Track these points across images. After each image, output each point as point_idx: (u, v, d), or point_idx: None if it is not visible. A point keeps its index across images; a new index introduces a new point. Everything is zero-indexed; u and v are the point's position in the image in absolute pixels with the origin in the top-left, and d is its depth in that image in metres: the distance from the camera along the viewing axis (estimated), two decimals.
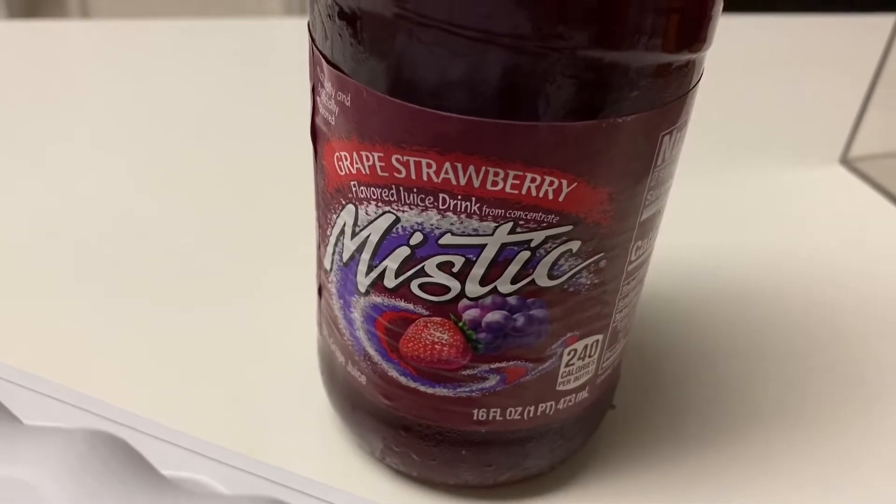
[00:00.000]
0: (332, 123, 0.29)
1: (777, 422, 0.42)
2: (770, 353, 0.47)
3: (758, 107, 0.77)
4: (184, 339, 0.44)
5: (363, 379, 0.35)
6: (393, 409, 0.35)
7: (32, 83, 0.72)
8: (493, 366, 0.32)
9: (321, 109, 0.30)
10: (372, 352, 0.33)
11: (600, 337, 0.33)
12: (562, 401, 0.34)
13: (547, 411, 0.34)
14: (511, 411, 0.33)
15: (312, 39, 0.29)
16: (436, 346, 0.31)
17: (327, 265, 0.34)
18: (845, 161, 0.70)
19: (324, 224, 0.33)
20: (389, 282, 0.30)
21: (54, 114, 0.68)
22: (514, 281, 0.29)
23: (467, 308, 0.30)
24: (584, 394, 0.35)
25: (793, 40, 0.91)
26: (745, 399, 0.43)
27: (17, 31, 0.82)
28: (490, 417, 0.34)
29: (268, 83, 0.75)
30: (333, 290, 0.34)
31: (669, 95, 0.27)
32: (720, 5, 0.27)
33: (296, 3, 2.64)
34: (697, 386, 0.44)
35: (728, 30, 0.92)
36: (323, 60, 0.28)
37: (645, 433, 0.41)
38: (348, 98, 0.27)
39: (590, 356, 0.33)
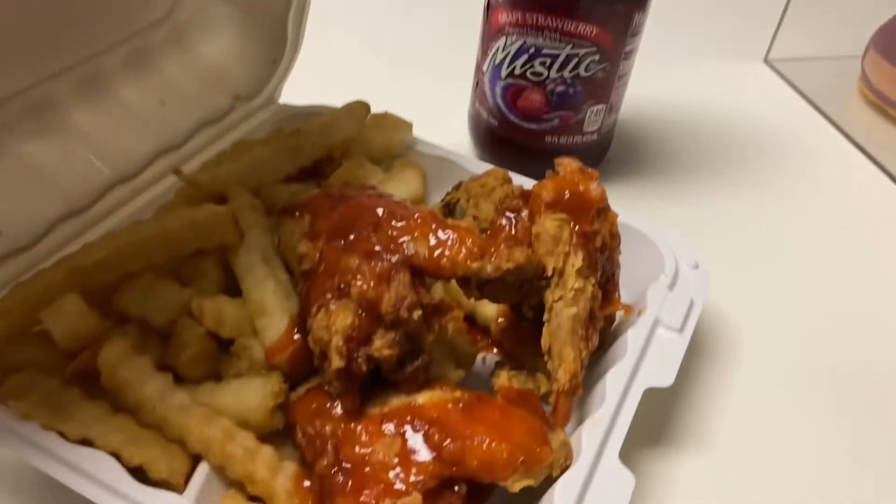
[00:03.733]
0: (500, 1, 0.71)
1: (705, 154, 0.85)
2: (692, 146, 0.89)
3: (696, 14, 1.17)
4: None
5: (496, 123, 0.77)
6: (508, 137, 0.77)
7: None
8: (557, 113, 0.74)
9: None
10: (503, 108, 0.75)
11: (604, 106, 0.75)
12: (585, 136, 0.77)
13: (577, 141, 0.77)
14: (564, 138, 0.76)
15: None
16: (534, 104, 0.74)
17: (484, 69, 0.76)
18: (767, 61, 1.11)
19: (486, 49, 0.75)
20: (517, 71, 0.72)
21: None
22: (570, 71, 0.71)
23: (548, 84, 0.72)
24: (594, 136, 0.77)
25: None
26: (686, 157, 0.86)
27: None
28: (552, 141, 0.76)
29: None
30: (486, 80, 0.76)
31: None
32: None
33: None
34: (661, 151, 0.87)
35: None
36: None
37: (629, 174, 0.83)
38: None
39: (597, 116, 0.76)
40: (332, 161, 0.65)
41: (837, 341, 0.67)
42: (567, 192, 0.53)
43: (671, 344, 0.56)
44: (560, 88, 0.72)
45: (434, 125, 0.78)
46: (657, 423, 0.59)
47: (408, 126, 0.72)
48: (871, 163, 0.91)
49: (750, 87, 1.05)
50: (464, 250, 0.48)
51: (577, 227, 0.52)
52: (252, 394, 0.49)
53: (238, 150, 0.64)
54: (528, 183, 0.67)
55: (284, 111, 0.74)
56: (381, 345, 0.46)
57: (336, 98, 0.72)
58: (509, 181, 0.64)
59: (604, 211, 0.54)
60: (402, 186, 0.63)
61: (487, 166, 0.70)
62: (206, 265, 0.55)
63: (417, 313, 0.47)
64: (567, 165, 0.55)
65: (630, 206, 0.70)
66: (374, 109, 0.70)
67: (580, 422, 0.52)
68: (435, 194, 0.71)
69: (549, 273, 0.51)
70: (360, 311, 0.46)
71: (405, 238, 0.49)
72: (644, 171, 0.85)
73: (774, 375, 0.64)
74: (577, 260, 0.52)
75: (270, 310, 0.51)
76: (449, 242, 0.49)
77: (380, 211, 0.50)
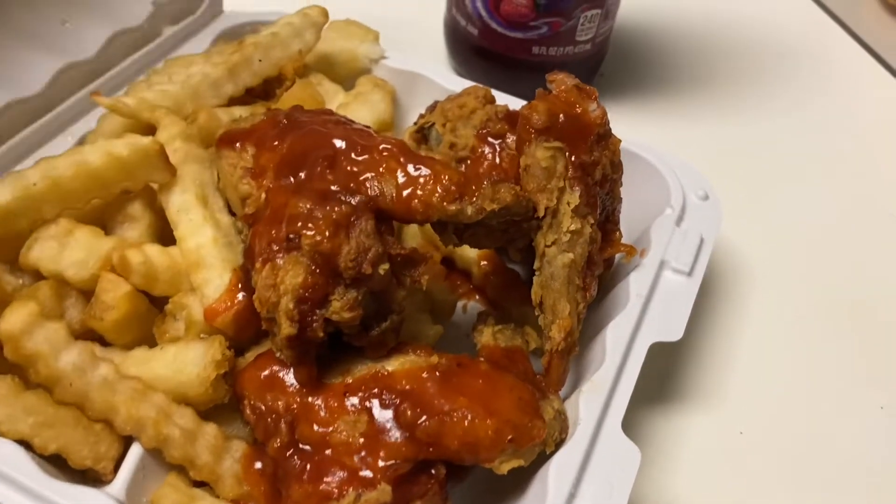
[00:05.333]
0: None
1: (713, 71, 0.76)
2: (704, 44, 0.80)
3: None
4: None
5: (476, 32, 0.67)
6: (490, 47, 0.67)
7: None
8: (545, 20, 0.64)
9: None
10: (484, 14, 0.65)
11: (599, 11, 0.65)
12: (577, 46, 0.67)
13: (569, 52, 0.67)
14: (553, 49, 0.66)
15: None
16: (519, 8, 0.64)
17: None
18: None
19: None
20: None
21: None
22: None
23: None
24: (587, 46, 0.68)
25: None
26: (694, 68, 0.77)
27: None
28: (540, 52, 0.66)
29: None
30: None
31: None
32: None
33: None
34: (661, 63, 0.77)
35: None
36: None
37: (625, 90, 0.74)
38: None
39: (592, 22, 0.66)
40: (283, 80, 0.55)
41: (860, 278, 0.61)
42: (561, 114, 0.44)
43: (679, 290, 0.49)
44: None
45: (404, 35, 0.68)
46: (659, 376, 0.53)
47: (373, 35, 0.62)
48: (889, 73, 0.83)
49: None
50: (439, 189, 0.40)
51: (573, 157, 0.44)
52: (191, 362, 0.41)
53: (172, 67, 0.54)
54: (513, 102, 0.58)
55: (229, 20, 0.64)
56: (341, 307, 0.38)
57: (289, 3, 0.62)
58: (492, 101, 0.55)
59: (604, 137, 0.46)
60: (366, 109, 0.54)
61: (467, 83, 0.61)
62: (132, 208, 0.46)
63: (384, 267, 0.39)
64: (561, 82, 0.46)
65: (627, 127, 0.62)
66: (334, 16, 0.60)
67: (576, 382, 0.46)
68: (406, 117, 0.62)
69: (541, 213, 0.43)
70: (313, 267, 0.38)
71: (368, 175, 0.41)
72: (642, 85, 0.76)
73: (790, 318, 0.57)
74: (573, 197, 0.44)
75: (209, 262, 0.43)
76: (421, 180, 0.40)
77: (337, 142, 0.42)
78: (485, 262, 0.54)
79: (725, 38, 0.83)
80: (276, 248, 0.39)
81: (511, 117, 0.54)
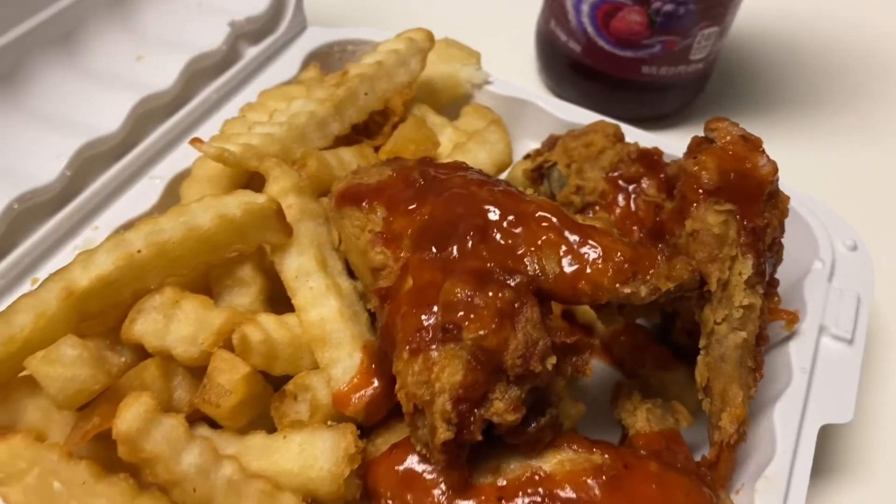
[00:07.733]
0: None
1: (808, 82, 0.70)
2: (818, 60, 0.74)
3: None
4: None
5: (578, 48, 0.62)
6: (594, 66, 0.62)
7: None
8: (660, 38, 0.58)
9: None
10: (590, 29, 0.60)
11: (717, 28, 0.60)
12: (690, 65, 0.61)
13: (681, 71, 0.61)
14: (665, 68, 0.61)
15: None
16: (633, 25, 0.58)
17: None
18: None
19: None
20: None
21: None
22: None
23: (654, 2, 0.56)
24: (700, 65, 0.62)
25: None
26: (800, 87, 0.71)
27: None
28: (651, 71, 0.61)
29: None
30: None
31: None
32: None
33: None
34: (768, 76, 0.71)
35: None
36: None
37: (730, 108, 0.69)
38: None
39: (708, 40, 0.60)
40: (388, 114, 0.50)
41: None
42: (732, 172, 0.39)
43: (843, 361, 0.44)
44: (668, 7, 0.56)
45: (484, 46, 0.61)
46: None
47: (476, 58, 0.57)
48: None
49: None
50: (610, 269, 0.35)
51: (745, 221, 0.39)
52: (321, 456, 0.37)
53: (269, 101, 0.49)
54: (641, 136, 0.53)
55: (315, 39, 0.58)
56: (504, 408, 0.33)
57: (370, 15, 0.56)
58: (621, 138, 0.50)
59: (774, 195, 0.41)
60: (485, 151, 0.49)
61: (578, 112, 0.56)
62: (242, 272, 0.41)
63: (552, 361, 0.34)
64: (725, 132, 0.41)
65: None
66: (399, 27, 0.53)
67: (739, 469, 0.41)
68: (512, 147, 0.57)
69: (713, 287, 0.38)
70: (473, 363, 0.33)
71: (525, 249, 0.36)
72: (749, 103, 0.70)
73: None
74: (745, 266, 0.39)
75: (336, 339, 0.38)
76: (588, 256, 0.35)
77: (488, 209, 0.37)
78: None
79: (839, 44, 0.77)
80: (427, 336, 0.34)
81: (645, 158, 0.48)
